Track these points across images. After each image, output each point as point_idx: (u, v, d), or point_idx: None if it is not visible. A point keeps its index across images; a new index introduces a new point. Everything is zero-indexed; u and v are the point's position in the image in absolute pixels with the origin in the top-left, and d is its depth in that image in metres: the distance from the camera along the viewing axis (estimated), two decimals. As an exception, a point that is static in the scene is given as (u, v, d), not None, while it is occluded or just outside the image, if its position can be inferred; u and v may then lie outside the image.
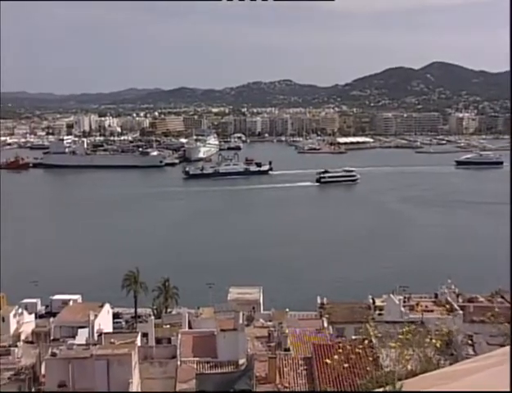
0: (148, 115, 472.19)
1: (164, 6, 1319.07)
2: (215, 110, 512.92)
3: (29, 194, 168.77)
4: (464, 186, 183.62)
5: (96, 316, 47.39)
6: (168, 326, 53.18)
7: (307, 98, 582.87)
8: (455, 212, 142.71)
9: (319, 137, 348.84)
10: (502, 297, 55.87)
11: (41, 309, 69.67)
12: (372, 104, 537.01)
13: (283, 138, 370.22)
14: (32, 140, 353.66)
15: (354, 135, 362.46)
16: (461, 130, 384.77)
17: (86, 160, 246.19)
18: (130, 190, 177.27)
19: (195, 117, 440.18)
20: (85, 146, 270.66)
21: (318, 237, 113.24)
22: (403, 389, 7.01)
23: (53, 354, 37.46)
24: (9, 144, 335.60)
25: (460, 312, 52.70)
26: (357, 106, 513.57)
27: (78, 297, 63.69)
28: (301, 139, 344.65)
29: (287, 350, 39.87)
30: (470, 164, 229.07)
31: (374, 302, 60.18)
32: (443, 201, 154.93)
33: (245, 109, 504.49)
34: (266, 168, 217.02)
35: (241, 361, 38.92)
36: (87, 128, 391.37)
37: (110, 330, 49.90)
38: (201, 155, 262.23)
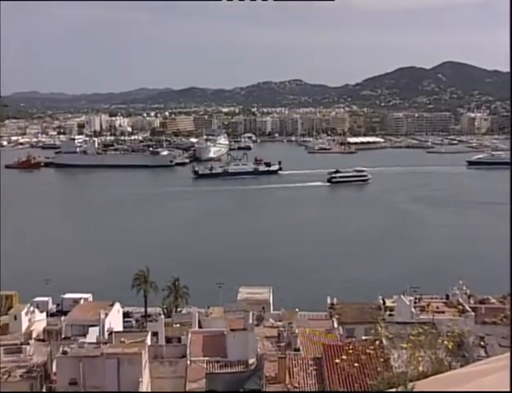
0: (158, 115, 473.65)
1: (175, 6, 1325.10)
2: (225, 109, 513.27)
3: (40, 193, 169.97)
4: (475, 186, 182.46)
5: (106, 315, 47.61)
6: (178, 325, 53.24)
7: (317, 98, 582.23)
8: (467, 212, 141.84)
9: (329, 137, 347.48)
10: (514, 299, 55.37)
11: (52, 307, 70.16)
12: (383, 104, 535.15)
13: (293, 138, 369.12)
14: (43, 139, 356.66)
15: (365, 135, 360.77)
16: (473, 130, 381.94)
17: (97, 159, 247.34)
18: (140, 189, 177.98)
19: (206, 117, 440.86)
20: (96, 145, 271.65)
21: (329, 237, 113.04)
22: (415, 390, 6.98)
23: (64, 353, 37.74)
24: (21, 144, 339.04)
25: (472, 313, 52.31)
26: (368, 106, 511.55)
27: (88, 296, 64.19)
28: (311, 139, 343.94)
29: (297, 350, 39.81)
30: (482, 165, 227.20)
31: (384, 303, 60.01)
32: (455, 202, 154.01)
33: (255, 109, 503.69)
34: (275, 168, 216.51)
35: (251, 361, 38.85)
36: (97, 128, 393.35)
37: (121, 329, 50.13)
38: (211, 154, 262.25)
